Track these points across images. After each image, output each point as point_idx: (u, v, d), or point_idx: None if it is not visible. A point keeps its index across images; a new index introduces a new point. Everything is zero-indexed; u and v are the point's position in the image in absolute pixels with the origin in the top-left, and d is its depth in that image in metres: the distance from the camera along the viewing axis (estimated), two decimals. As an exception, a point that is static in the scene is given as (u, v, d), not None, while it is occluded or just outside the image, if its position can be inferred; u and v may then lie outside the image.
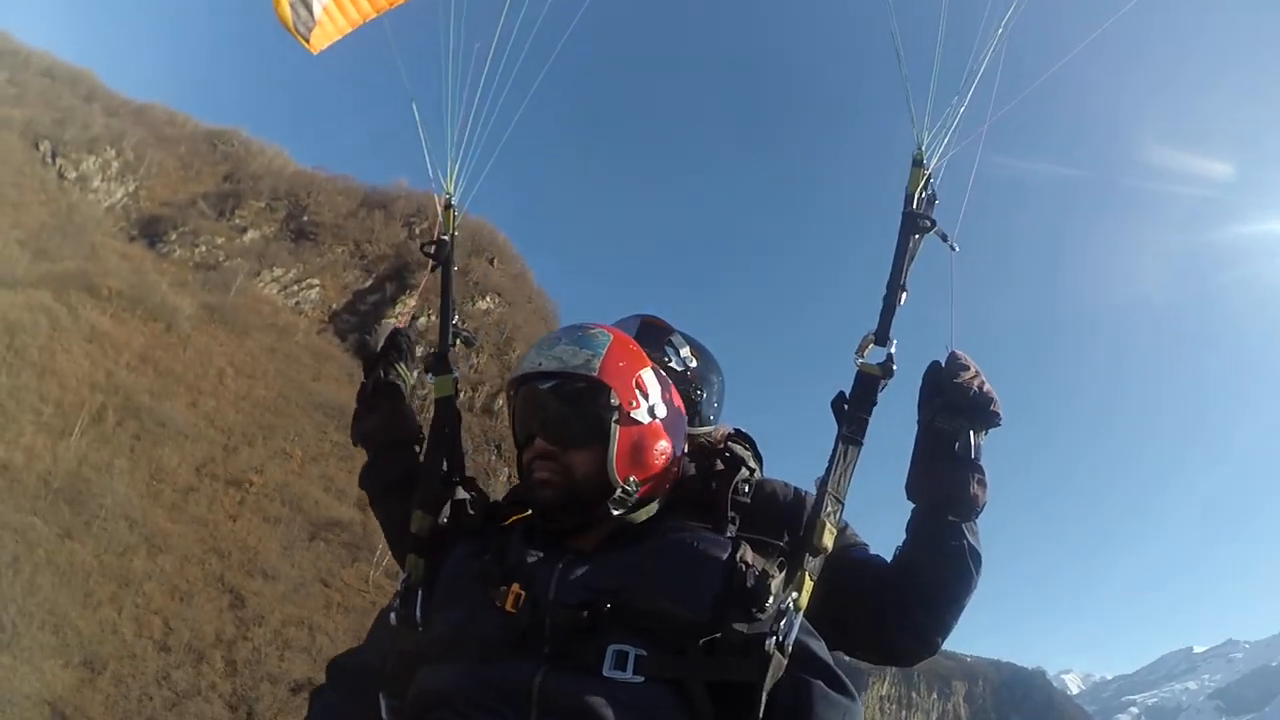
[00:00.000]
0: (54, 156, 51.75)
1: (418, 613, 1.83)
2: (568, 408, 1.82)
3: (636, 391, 1.84)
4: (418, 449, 2.33)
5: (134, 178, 57.71)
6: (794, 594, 1.69)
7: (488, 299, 63.54)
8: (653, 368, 1.92)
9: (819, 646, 1.71)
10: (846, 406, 1.90)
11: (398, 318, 58.00)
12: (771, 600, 1.65)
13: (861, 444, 1.86)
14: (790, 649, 1.63)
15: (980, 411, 1.94)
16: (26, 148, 48.89)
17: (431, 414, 2.25)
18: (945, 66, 2.07)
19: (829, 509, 1.79)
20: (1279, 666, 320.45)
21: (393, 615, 1.87)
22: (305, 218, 62.98)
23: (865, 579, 1.94)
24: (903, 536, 2.01)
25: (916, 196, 1.99)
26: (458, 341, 2.37)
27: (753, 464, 2.07)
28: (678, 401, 1.98)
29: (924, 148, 2.02)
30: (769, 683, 1.58)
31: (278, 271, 56.46)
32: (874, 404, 1.89)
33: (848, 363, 1.96)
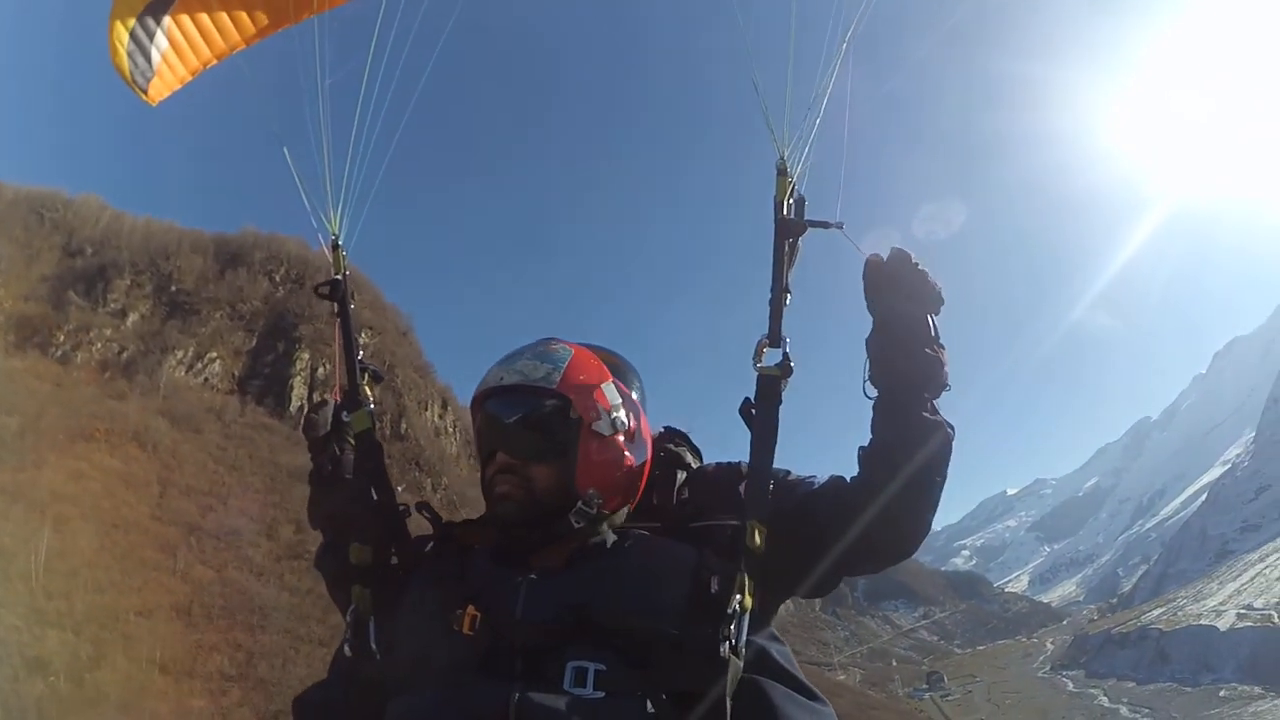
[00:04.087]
0: (-101, 282, 52.36)
1: (372, 643, 1.90)
2: (528, 421, 1.88)
3: (597, 404, 1.89)
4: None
5: (-13, 279, 58.24)
6: (738, 597, 1.72)
7: (363, 334, 68.98)
8: (614, 382, 1.96)
9: (781, 652, 1.79)
10: (754, 411, 1.96)
11: (301, 375, 63.23)
12: (731, 606, 1.70)
13: (774, 442, 1.93)
14: (744, 651, 1.69)
15: (934, 296, 1.97)
16: None
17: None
18: (799, 75, 2.16)
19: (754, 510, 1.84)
20: (1085, 495, 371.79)
21: (346, 647, 1.94)
22: (174, 288, 65.77)
23: (827, 499, 1.92)
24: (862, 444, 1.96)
25: (785, 203, 2.09)
26: (366, 375, 2.39)
27: (689, 459, 2.14)
28: (641, 414, 2.01)
29: (785, 157, 2.12)
30: (730, 687, 1.64)
31: (179, 354, 59.85)
32: (780, 403, 1.96)
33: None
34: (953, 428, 1.93)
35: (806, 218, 2.07)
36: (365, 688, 1.85)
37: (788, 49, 2.21)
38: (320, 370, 63.28)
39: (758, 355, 2.00)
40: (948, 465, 1.93)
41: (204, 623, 31.17)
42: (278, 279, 70.21)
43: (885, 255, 2.01)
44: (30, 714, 23.61)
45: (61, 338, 56.14)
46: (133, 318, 61.63)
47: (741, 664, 1.68)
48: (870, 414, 1.97)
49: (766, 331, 2.03)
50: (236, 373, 62.94)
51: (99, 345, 57.26)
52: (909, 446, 1.89)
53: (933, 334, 1.97)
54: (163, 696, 26.17)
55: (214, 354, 62.31)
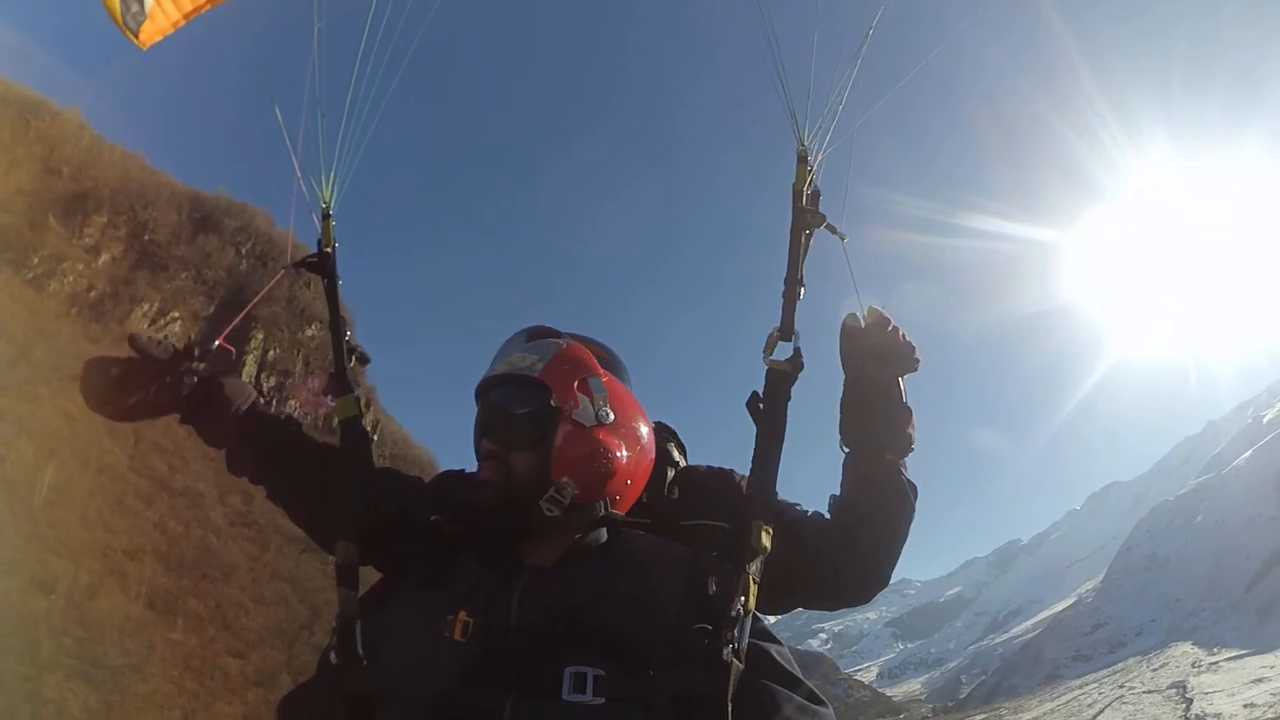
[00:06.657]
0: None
1: (360, 648, 1.83)
2: (508, 408, 1.92)
3: (579, 395, 1.89)
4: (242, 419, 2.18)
5: (-33, 172, 53.31)
6: (741, 599, 1.74)
7: (313, 326, 70.77)
8: (604, 377, 1.96)
9: (781, 653, 1.80)
10: (762, 405, 1.98)
11: (254, 354, 66.45)
12: (735, 608, 1.72)
13: (782, 439, 1.95)
14: (745, 653, 1.69)
15: (905, 359, 2.07)
16: None
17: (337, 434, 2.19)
18: (822, 63, 2.17)
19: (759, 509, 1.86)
20: (945, 602, 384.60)
21: (332, 655, 1.87)
22: (147, 237, 67.25)
23: (808, 534, 1.99)
24: (834, 487, 2.08)
25: (804, 193, 2.10)
26: (353, 358, 2.28)
27: (677, 457, 2.20)
28: (633, 411, 2.01)
29: (806, 144, 2.14)
30: (731, 691, 1.64)
31: (145, 306, 60.81)
32: (788, 399, 1.98)
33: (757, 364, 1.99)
34: (914, 489, 2.06)
35: (821, 212, 2.11)
36: (353, 698, 1.79)
37: (812, 32, 2.23)
38: (271, 353, 66.21)
39: (769, 348, 2.01)
40: (905, 523, 2.05)
41: (180, 570, 35.09)
42: (244, 252, 71.82)
43: (862, 314, 2.11)
44: (41, 625, 26.69)
45: (36, 260, 54.47)
46: (105, 258, 61.23)
47: (743, 666, 1.68)
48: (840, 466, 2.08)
49: (779, 324, 2.02)
50: (193, 336, 63.58)
51: (71, 278, 56.69)
52: (867, 504, 2.02)
53: (900, 397, 2.08)
54: (154, 629, 30.80)
55: (176, 314, 63.53)
